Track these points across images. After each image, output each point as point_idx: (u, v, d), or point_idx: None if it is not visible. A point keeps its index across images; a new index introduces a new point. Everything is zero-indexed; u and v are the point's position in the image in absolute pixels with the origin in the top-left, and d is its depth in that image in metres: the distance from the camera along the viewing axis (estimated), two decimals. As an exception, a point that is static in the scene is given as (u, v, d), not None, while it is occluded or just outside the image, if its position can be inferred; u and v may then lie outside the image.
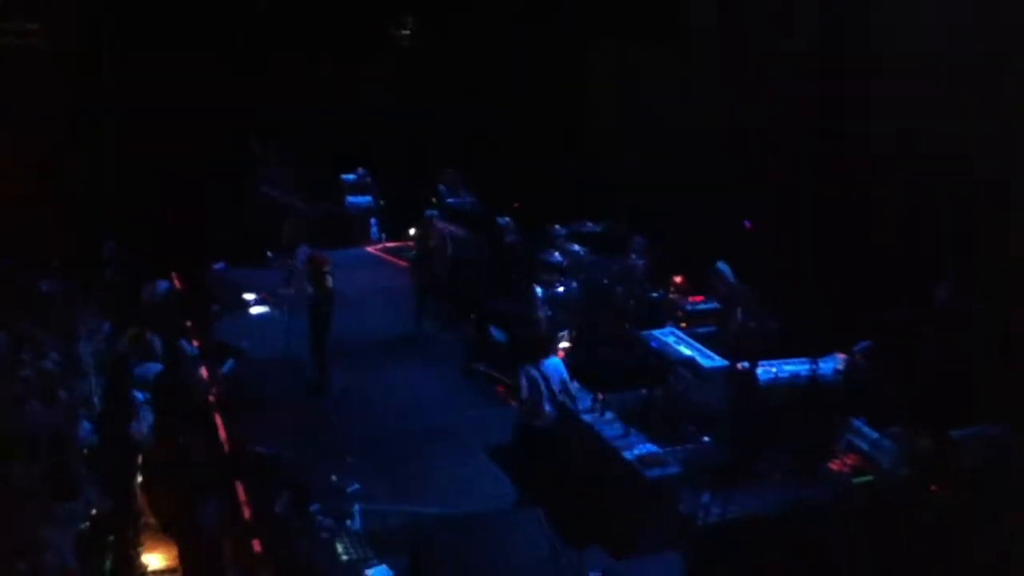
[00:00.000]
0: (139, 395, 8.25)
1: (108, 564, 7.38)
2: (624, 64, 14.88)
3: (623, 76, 14.95)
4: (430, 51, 17.32)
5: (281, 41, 16.28)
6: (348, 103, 16.57)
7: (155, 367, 9.05)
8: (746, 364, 8.37)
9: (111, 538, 7.45)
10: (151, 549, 7.92)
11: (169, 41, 14.92)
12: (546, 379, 8.10)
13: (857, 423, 7.95)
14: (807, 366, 8.50)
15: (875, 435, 7.78)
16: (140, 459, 7.93)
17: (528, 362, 8.18)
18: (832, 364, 8.44)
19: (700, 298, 10.64)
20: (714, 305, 10.34)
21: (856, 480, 7.49)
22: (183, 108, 15.02)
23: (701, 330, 9.84)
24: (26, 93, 14.15)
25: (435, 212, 12.73)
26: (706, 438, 8.44)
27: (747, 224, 10.36)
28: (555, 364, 8.35)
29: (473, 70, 16.53)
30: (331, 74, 16.63)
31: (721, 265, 9.53)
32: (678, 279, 11.04)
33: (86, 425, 8.24)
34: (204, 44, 15.27)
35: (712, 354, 8.84)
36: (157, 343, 10.22)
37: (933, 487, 7.35)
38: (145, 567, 7.79)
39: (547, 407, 8.10)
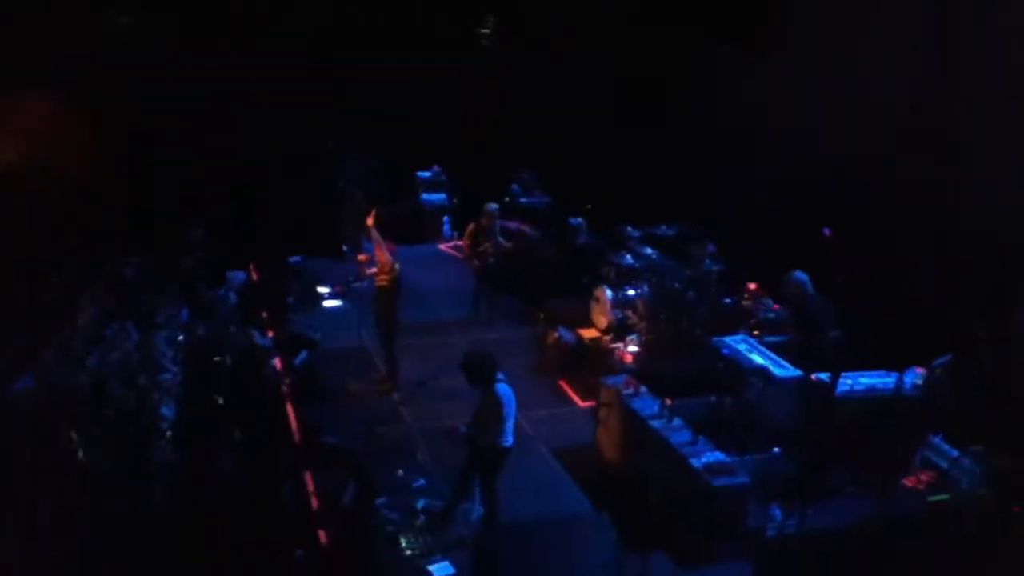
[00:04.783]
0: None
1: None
2: (709, 69, 14.70)
3: (706, 80, 14.76)
4: (510, 51, 17.31)
5: (362, 39, 16.47)
6: (426, 101, 16.69)
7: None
8: (822, 375, 8.20)
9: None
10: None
11: (253, 35, 15.21)
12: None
13: (935, 440, 7.73)
14: (884, 379, 8.31)
15: (954, 453, 7.55)
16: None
17: (492, 380, 7.50)
18: (911, 378, 8.22)
19: (775, 306, 10.48)
20: (787, 314, 10.19)
21: (933, 498, 7.27)
22: (265, 103, 15.32)
23: (774, 339, 9.70)
24: (117, 81, 14.60)
25: (495, 206, 12.71)
26: (776, 449, 8.31)
27: (827, 231, 10.12)
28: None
29: (551, 72, 16.53)
30: (412, 72, 16.78)
31: (798, 274, 9.28)
32: (752, 286, 10.88)
33: (166, 410, 8.49)
34: (288, 41, 15.53)
35: (785, 364, 8.69)
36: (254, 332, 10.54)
37: (1015, 508, 7.11)
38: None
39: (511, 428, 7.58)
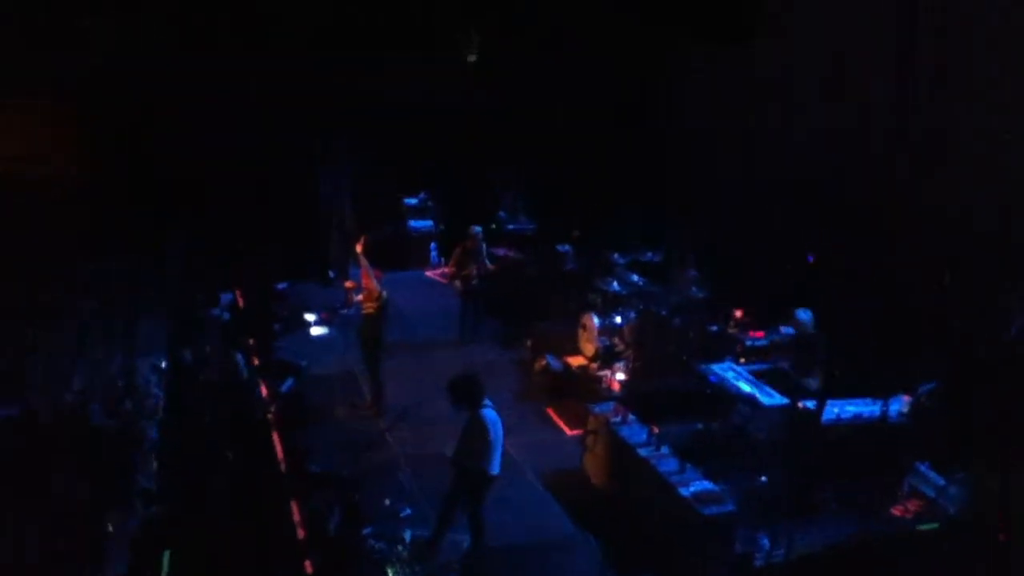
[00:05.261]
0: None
1: (165, 564, 7.46)
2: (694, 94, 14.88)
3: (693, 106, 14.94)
4: (497, 73, 17.40)
5: (346, 59, 16.53)
6: (412, 126, 16.76)
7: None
8: (808, 403, 8.22)
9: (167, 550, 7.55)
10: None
11: (237, 58, 15.21)
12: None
13: (922, 467, 7.76)
14: (870, 407, 8.34)
15: (941, 480, 7.58)
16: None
17: (478, 403, 7.44)
18: (896, 406, 8.26)
19: (760, 334, 10.52)
20: (773, 339, 10.26)
21: (921, 527, 7.29)
22: (251, 129, 15.32)
23: (760, 366, 9.74)
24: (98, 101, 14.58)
25: (479, 228, 12.75)
26: (764, 476, 8.31)
27: (810, 259, 10.20)
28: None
29: (537, 95, 16.65)
30: (397, 95, 16.85)
31: (802, 313, 9.31)
32: (738, 313, 10.92)
33: (150, 435, 8.42)
34: (273, 61, 15.55)
35: (772, 391, 8.72)
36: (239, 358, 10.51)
37: (1000, 536, 7.13)
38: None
39: (498, 456, 7.49)
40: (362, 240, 10.53)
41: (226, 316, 11.97)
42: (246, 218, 14.36)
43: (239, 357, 10.65)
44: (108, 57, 14.23)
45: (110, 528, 7.04)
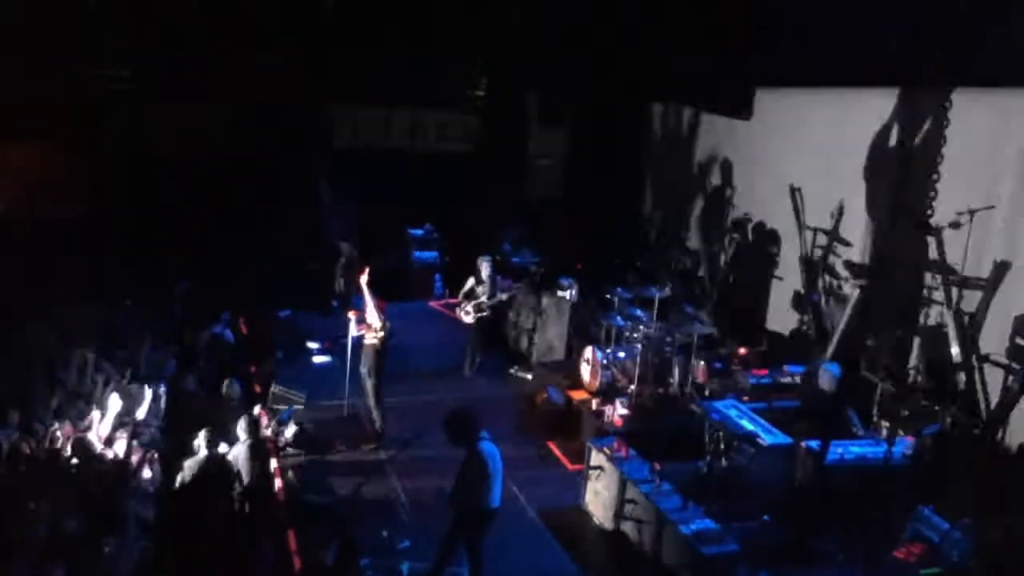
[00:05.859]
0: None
1: None
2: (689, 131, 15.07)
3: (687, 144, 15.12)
4: (498, 111, 17.59)
5: (356, 92, 16.69)
6: (419, 158, 16.90)
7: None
8: (811, 443, 8.18)
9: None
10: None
11: (248, 86, 15.35)
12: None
13: (925, 512, 7.69)
14: (874, 448, 8.30)
15: (944, 526, 7.51)
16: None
17: (474, 439, 7.32)
18: (900, 448, 8.21)
19: (763, 372, 10.50)
20: (777, 378, 10.24)
21: (923, 572, 7.21)
22: (257, 156, 15.42)
23: (759, 405, 9.69)
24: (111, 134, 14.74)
25: (488, 257, 12.76)
26: (766, 516, 8.24)
27: (815, 297, 10.23)
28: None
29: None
30: (403, 128, 17.03)
31: (832, 367, 9.25)
32: (742, 351, 10.90)
33: (148, 468, 8.38)
34: (281, 89, 15.69)
35: (775, 430, 8.67)
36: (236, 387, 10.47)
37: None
38: None
39: (498, 487, 7.41)
40: (366, 271, 10.53)
41: (228, 333, 11.92)
42: (249, 246, 14.43)
43: (236, 385, 10.61)
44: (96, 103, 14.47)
45: (104, 558, 6.97)
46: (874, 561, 7.52)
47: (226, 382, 10.53)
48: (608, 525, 8.66)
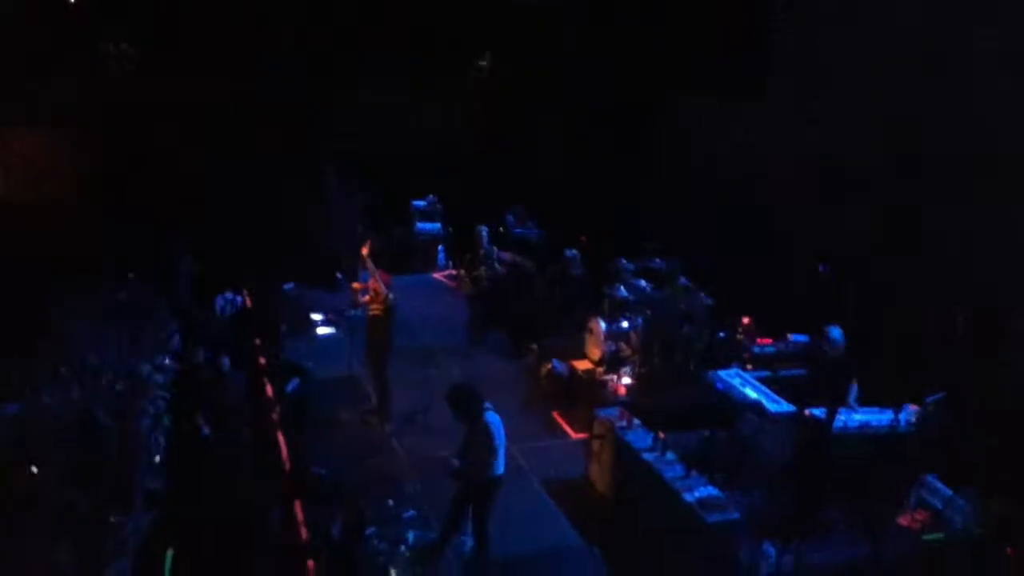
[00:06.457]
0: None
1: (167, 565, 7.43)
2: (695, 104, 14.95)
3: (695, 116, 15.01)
4: (506, 85, 17.50)
5: (359, 67, 16.61)
6: (421, 132, 16.84)
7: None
8: (815, 411, 8.17)
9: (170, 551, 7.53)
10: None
11: (249, 63, 15.29)
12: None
13: (930, 479, 7.70)
14: (879, 416, 8.29)
15: (948, 492, 7.52)
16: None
17: (478, 412, 7.38)
18: (905, 415, 8.20)
19: (768, 341, 10.48)
20: (781, 347, 10.21)
21: (927, 537, 7.23)
22: (260, 131, 15.38)
23: (766, 373, 9.68)
24: (114, 112, 14.71)
25: (485, 228, 12.73)
26: (770, 484, 8.25)
27: (822, 268, 10.16)
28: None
29: (543, 104, 16.75)
30: (407, 103, 16.94)
31: (834, 331, 9.18)
32: (745, 320, 10.87)
33: (155, 438, 8.41)
34: (285, 66, 15.62)
35: (779, 399, 8.67)
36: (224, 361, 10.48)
37: (1008, 550, 7.07)
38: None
39: (503, 456, 7.44)
40: (368, 244, 10.51)
41: (238, 299, 11.93)
42: (253, 220, 14.41)
43: (224, 360, 10.59)
44: (97, 85, 14.40)
45: (111, 529, 7.02)
46: (878, 529, 7.53)
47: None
48: (612, 494, 8.70)
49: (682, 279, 11.64)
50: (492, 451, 7.30)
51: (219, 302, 11.96)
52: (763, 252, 12.32)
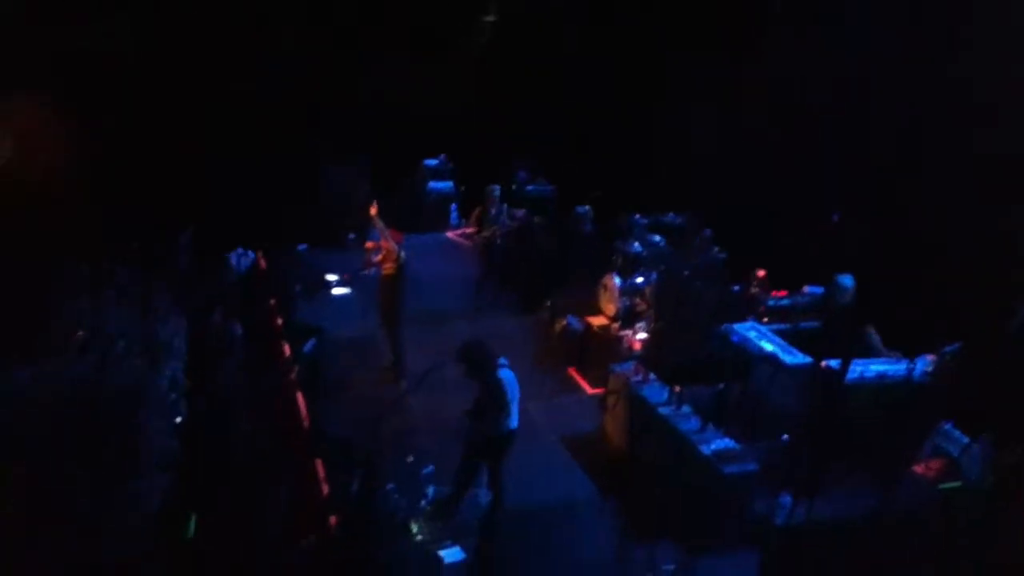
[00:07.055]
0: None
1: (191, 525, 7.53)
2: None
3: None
4: (514, 41, 17.27)
5: (363, 27, 16.43)
6: (430, 89, 16.67)
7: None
8: (831, 362, 8.14)
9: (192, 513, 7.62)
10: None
11: (250, 28, 15.13)
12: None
13: (946, 427, 7.69)
14: (895, 367, 8.26)
15: (964, 440, 7.52)
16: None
17: (491, 368, 7.45)
18: (921, 365, 8.17)
19: (783, 293, 10.43)
20: (797, 299, 10.16)
21: (942, 486, 7.24)
22: (267, 94, 15.27)
23: (785, 327, 9.65)
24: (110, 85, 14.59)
25: (497, 188, 12.65)
26: (785, 436, 8.26)
27: (835, 218, 10.05)
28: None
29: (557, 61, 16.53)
30: (415, 60, 16.75)
31: (845, 280, 9.08)
32: (760, 273, 10.82)
33: (172, 395, 8.48)
34: (285, 32, 15.47)
35: (794, 350, 8.64)
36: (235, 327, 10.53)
37: (1021, 499, 7.08)
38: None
39: (516, 411, 7.51)
40: (375, 204, 10.48)
41: (251, 254, 11.95)
42: (264, 181, 14.37)
43: (235, 326, 10.63)
44: (99, 52, 14.24)
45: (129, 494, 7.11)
46: (894, 478, 7.55)
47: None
48: (627, 449, 8.74)
49: (707, 230, 11.57)
50: (505, 406, 7.33)
51: (232, 258, 11.96)
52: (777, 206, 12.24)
